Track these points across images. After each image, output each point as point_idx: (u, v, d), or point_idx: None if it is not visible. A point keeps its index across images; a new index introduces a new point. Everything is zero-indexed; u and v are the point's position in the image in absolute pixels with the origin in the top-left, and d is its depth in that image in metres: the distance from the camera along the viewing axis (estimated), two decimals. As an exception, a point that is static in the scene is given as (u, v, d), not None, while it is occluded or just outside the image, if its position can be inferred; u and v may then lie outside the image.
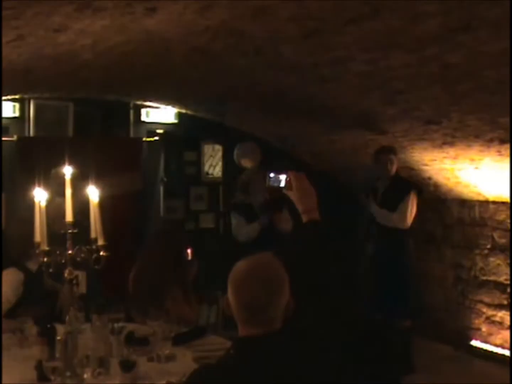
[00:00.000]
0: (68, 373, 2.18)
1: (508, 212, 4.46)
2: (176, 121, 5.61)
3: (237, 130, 5.62)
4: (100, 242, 2.37)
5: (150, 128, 5.53)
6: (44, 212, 2.28)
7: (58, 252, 2.30)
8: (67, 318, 2.28)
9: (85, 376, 2.23)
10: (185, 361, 2.49)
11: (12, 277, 2.95)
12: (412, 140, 4.29)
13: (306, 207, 1.89)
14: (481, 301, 4.79)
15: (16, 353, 2.50)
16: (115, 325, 2.53)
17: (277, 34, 2.85)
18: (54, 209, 2.55)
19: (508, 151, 3.73)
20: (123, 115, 5.42)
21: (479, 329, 4.81)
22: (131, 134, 5.48)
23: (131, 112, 5.45)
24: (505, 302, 4.58)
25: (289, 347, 1.65)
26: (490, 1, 2.16)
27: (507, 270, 4.54)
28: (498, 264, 4.63)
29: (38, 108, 4.97)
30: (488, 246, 4.70)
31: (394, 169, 4.32)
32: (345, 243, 4.24)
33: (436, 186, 4.89)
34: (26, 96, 4.89)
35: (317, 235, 1.90)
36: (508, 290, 4.55)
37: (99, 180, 2.56)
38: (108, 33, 2.75)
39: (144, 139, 5.46)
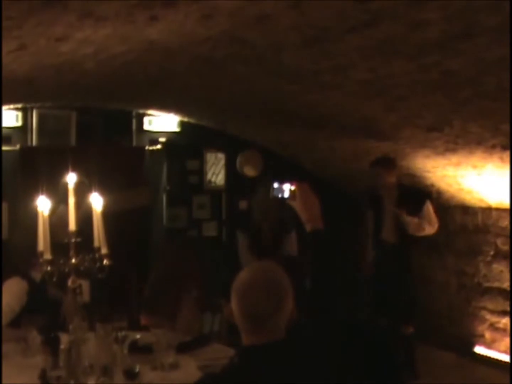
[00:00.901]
0: (72, 382, 2.18)
1: (511, 219, 4.46)
2: (178, 129, 5.63)
3: (240, 138, 5.63)
4: (104, 251, 2.38)
5: (153, 137, 5.55)
6: (47, 221, 2.29)
7: (61, 261, 2.30)
8: (70, 327, 2.29)
9: (89, 385, 2.23)
10: (189, 369, 2.49)
11: (15, 286, 2.96)
12: (414, 147, 4.29)
13: (310, 216, 1.90)
14: (484, 308, 4.77)
15: (20, 362, 2.51)
16: (119, 333, 2.53)
17: (279, 42, 2.86)
18: (61, 217, 2.56)
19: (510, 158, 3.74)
20: (126, 124, 5.45)
21: (482, 335, 4.79)
22: (134, 143, 5.50)
23: (134, 120, 5.48)
24: (508, 309, 4.56)
25: (292, 355, 1.65)
26: (490, 9, 2.17)
27: (510, 277, 4.53)
28: (501, 271, 4.62)
29: (41, 117, 4.99)
30: (491, 253, 4.69)
31: (383, 181, 4.27)
32: (347, 250, 4.24)
33: (439, 193, 4.89)
34: (28, 105, 4.91)
35: (321, 244, 1.91)
36: (511, 296, 4.55)
37: (102, 189, 2.57)
38: (110, 42, 2.76)
39: (146, 147, 5.48)
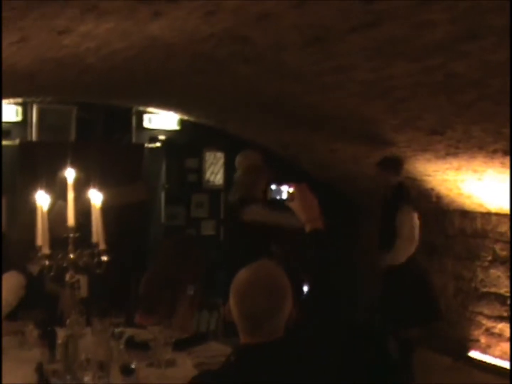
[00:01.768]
0: (68, 376, 2.18)
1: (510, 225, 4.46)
2: (178, 127, 5.62)
3: (239, 137, 5.62)
4: (102, 246, 2.37)
5: (152, 134, 5.54)
6: (46, 215, 2.28)
7: (59, 256, 2.30)
8: (67, 321, 2.28)
9: (85, 379, 2.22)
10: (185, 367, 2.49)
11: (13, 280, 2.95)
12: (415, 151, 4.29)
13: (309, 217, 1.90)
14: (481, 313, 4.77)
15: (16, 356, 2.50)
16: (116, 329, 2.52)
17: (280, 42, 2.86)
18: (60, 212, 2.55)
19: (512, 163, 3.73)
20: (126, 121, 5.43)
21: (478, 340, 4.79)
22: (133, 140, 5.49)
23: (134, 118, 5.46)
24: (505, 314, 4.57)
25: (290, 355, 1.65)
26: (496, 10, 2.16)
27: (507, 282, 4.53)
28: (499, 276, 4.63)
29: (41, 112, 4.98)
30: (489, 258, 4.69)
31: (385, 182, 4.17)
32: (346, 252, 4.23)
33: (438, 197, 4.89)
34: (29, 100, 4.90)
35: (321, 244, 1.91)
36: (508, 302, 4.54)
37: (101, 184, 2.56)
38: (112, 37, 2.75)
39: (146, 145, 5.47)
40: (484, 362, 4.69)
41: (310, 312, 1.84)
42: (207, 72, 3.58)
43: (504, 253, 4.56)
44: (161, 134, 5.57)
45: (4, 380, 2.17)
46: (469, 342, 4.85)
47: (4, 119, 4.80)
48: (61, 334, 2.33)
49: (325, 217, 1.96)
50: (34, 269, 2.94)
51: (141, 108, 5.44)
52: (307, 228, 1.90)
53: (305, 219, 1.91)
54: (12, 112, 4.89)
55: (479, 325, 4.79)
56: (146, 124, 5.51)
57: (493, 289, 4.68)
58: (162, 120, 5.56)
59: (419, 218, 4.15)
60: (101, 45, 2.90)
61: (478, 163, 3.98)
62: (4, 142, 4.79)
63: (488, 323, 4.72)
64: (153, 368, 2.45)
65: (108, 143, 5.28)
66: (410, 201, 4.21)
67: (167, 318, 2.82)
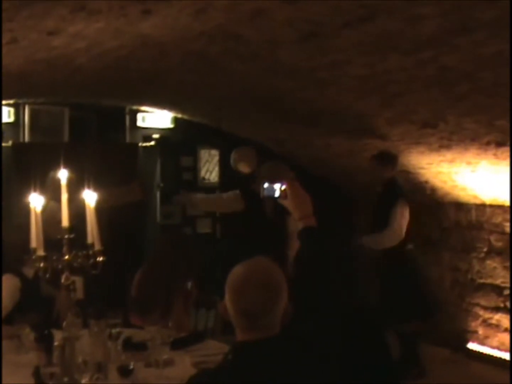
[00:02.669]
0: (66, 379, 2.16)
1: (505, 215, 4.47)
2: (172, 126, 5.60)
3: (234, 135, 5.61)
4: (97, 247, 2.36)
5: (146, 133, 5.51)
6: (40, 217, 2.27)
7: (54, 257, 2.28)
8: (64, 324, 2.27)
9: (83, 381, 2.21)
10: (184, 366, 2.48)
11: (8, 283, 2.93)
12: (408, 144, 4.29)
13: (302, 214, 1.91)
14: (478, 304, 4.79)
15: (13, 360, 2.48)
16: (113, 330, 2.51)
17: (274, 38, 2.85)
18: (49, 213, 2.54)
19: (505, 154, 3.74)
20: (119, 120, 5.41)
21: (476, 331, 4.81)
22: (127, 139, 5.47)
23: (127, 117, 5.44)
24: (502, 305, 4.58)
25: (287, 352, 1.64)
26: (487, 3, 2.16)
27: (504, 273, 4.55)
28: (495, 267, 4.64)
29: (33, 113, 4.95)
30: (485, 249, 4.71)
31: (378, 176, 4.26)
32: (342, 247, 4.23)
33: (433, 189, 4.90)
34: (20, 101, 4.87)
35: (314, 241, 1.91)
36: (505, 292, 4.56)
37: (95, 185, 2.55)
38: (103, 36, 2.74)
39: (140, 144, 5.45)
40: (482, 353, 4.71)
41: (305, 308, 1.84)
42: (200, 70, 3.57)
43: (500, 244, 4.57)
44: (155, 133, 5.55)
45: (1, 385, 2.16)
46: (467, 334, 4.87)
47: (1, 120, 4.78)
48: (57, 336, 2.32)
49: (320, 212, 1.96)
50: (29, 271, 2.93)
51: (135, 107, 5.42)
52: (300, 225, 1.90)
53: (298, 216, 1.91)
54: (4, 113, 4.86)
55: (477, 316, 4.81)
56: (140, 123, 5.49)
57: (489, 280, 4.70)
58: (156, 118, 5.53)
59: (410, 212, 4.21)
60: (92, 45, 2.89)
61: (471, 155, 3.99)
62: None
63: (486, 314, 4.74)
64: (151, 368, 2.44)
65: (101, 143, 5.26)
66: (404, 195, 4.28)
67: (164, 317, 2.82)
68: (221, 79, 3.79)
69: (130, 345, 2.55)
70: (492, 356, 4.64)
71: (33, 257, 2.25)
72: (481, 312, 4.76)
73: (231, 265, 1.72)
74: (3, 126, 4.87)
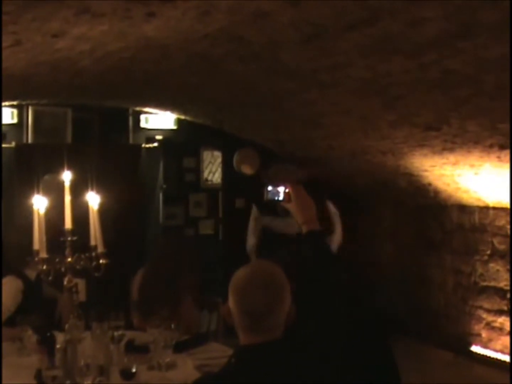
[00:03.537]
0: (68, 382, 2.17)
1: (508, 218, 4.46)
2: (175, 127, 5.61)
3: (236, 136, 5.62)
4: (100, 249, 2.36)
5: (149, 135, 5.53)
6: (42, 219, 2.27)
7: (57, 259, 2.28)
8: (66, 326, 2.27)
9: (85, 384, 2.21)
10: (186, 369, 2.48)
11: (10, 285, 2.93)
12: (412, 146, 4.28)
13: (305, 218, 1.91)
14: (481, 307, 4.78)
15: (15, 362, 2.48)
16: (115, 333, 2.51)
17: (276, 40, 2.85)
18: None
19: (508, 157, 3.73)
20: (122, 122, 5.42)
21: (479, 334, 4.79)
22: (130, 141, 5.48)
23: (130, 118, 5.45)
24: (505, 308, 4.57)
25: (290, 356, 1.64)
26: (490, 7, 2.16)
27: (507, 276, 4.53)
28: (498, 270, 4.62)
29: (37, 114, 4.96)
30: (488, 252, 4.69)
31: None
32: (344, 248, 4.22)
33: (436, 192, 4.88)
34: (24, 102, 4.88)
35: (318, 245, 1.91)
36: (508, 295, 4.54)
37: (98, 186, 2.55)
38: (107, 38, 2.74)
39: (143, 145, 5.45)
40: (486, 356, 4.69)
41: (309, 312, 1.84)
42: (203, 71, 3.57)
43: (503, 246, 4.56)
44: (158, 134, 5.56)
45: (3, 387, 2.16)
46: (470, 337, 4.85)
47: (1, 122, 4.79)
48: (59, 339, 2.32)
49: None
50: (32, 273, 2.93)
51: (138, 109, 5.42)
52: (304, 229, 1.91)
53: (301, 220, 1.91)
54: (7, 114, 4.88)
55: (480, 319, 4.79)
56: (143, 124, 5.50)
57: (492, 283, 4.68)
58: (159, 120, 5.55)
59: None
60: (96, 47, 2.89)
61: (474, 157, 3.98)
62: (0, 145, 4.78)
63: (489, 317, 4.72)
64: (153, 371, 2.44)
65: (104, 145, 5.27)
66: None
67: (168, 319, 2.81)
68: (223, 81, 3.79)
69: (132, 348, 2.55)
70: (495, 359, 4.62)
71: (36, 259, 2.25)
72: (484, 315, 4.75)
73: (233, 267, 1.72)
74: (6, 128, 4.89)
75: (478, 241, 4.75)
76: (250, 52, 3.07)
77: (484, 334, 4.75)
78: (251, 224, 4.22)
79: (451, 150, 4.04)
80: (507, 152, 3.67)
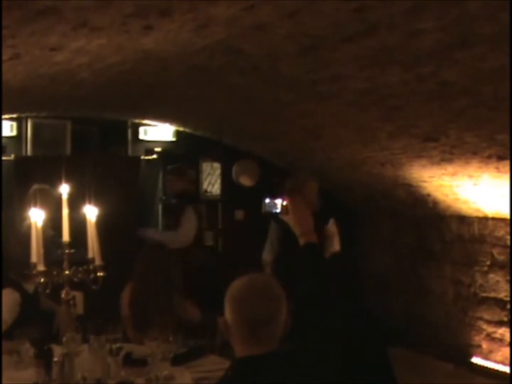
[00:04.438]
0: (64, 396, 2.15)
1: (507, 229, 4.45)
2: (174, 139, 5.62)
3: (236, 147, 5.62)
4: (98, 262, 2.35)
5: (148, 147, 5.53)
6: (40, 232, 2.26)
7: (55, 272, 2.28)
8: (64, 339, 2.25)
9: (82, 398, 2.20)
10: (184, 382, 2.47)
11: (8, 298, 2.91)
12: (410, 157, 4.29)
13: (303, 231, 1.92)
14: (481, 318, 4.76)
15: (12, 375, 2.46)
16: (113, 346, 2.50)
17: (275, 52, 2.86)
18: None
19: (506, 168, 3.73)
20: (121, 134, 5.43)
21: (479, 346, 4.77)
22: (130, 153, 5.48)
23: (129, 130, 5.46)
24: (505, 319, 4.55)
25: (287, 367, 1.64)
26: (486, 18, 2.17)
27: (507, 287, 4.52)
28: (498, 281, 4.61)
29: (36, 127, 4.97)
30: (488, 263, 4.68)
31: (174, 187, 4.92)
32: (343, 259, 4.22)
33: (435, 202, 4.88)
34: (23, 115, 4.90)
35: (315, 257, 1.91)
36: (508, 306, 4.52)
37: (97, 199, 2.55)
38: (105, 52, 2.75)
39: (142, 157, 5.46)
40: (486, 368, 4.67)
41: (306, 324, 1.84)
42: (202, 83, 3.59)
43: (502, 257, 4.55)
44: (157, 146, 5.56)
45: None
46: (470, 348, 4.82)
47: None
48: (57, 352, 2.31)
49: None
50: (30, 286, 2.92)
51: (137, 121, 5.43)
52: (301, 241, 1.91)
53: (299, 232, 1.92)
54: (7, 127, 4.89)
55: (480, 330, 4.77)
56: (142, 136, 5.51)
57: (492, 294, 4.67)
58: (158, 132, 5.56)
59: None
60: (94, 60, 2.91)
61: (473, 168, 3.99)
62: (-1, 158, 4.78)
63: (489, 328, 4.70)
64: (151, 384, 2.42)
65: (103, 157, 5.27)
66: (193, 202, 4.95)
67: (165, 326, 2.80)
68: (222, 92, 3.81)
69: (130, 361, 2.54)
70: (496, 370, 4.59)
71: (33, 271, 2.24)
72: (485, 326, 4.73)
73: (232, 279, 1.72)
74: (6, 140, 4.89)
75: (477, 251, 4.74)
76: (248, 64, 3.08)
77: (484, 345, 4.73)
78: (270, 237, 4.15)
79: (450, 161, 4.04)
80: (506, 163, 3.68)
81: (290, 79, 3.30)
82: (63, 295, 2.30)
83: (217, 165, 5.81)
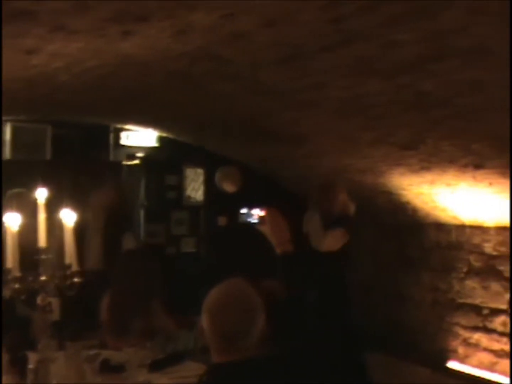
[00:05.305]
0: (38, 403, 2.13)
1: (483, 236, 4.52)
2: (157, 144, 5.61)
3: (220, 154, 5.63)
4: (75, 268, 2.34)
5: (130, 152, 5.51)
6: (16, 237, 2.25)
7: (30, 278, 2.26)
8: (39, 346, 2.24)
9: (56, 405, 2.18)
10: (160, 388, 2.46)
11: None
12: (389, 165, 4.34)
13: (279, 240, 1.94)
14: (457, 324, 4.81)
15: (-15, 382, 2.44)
16: (90, 352, 2.49)
17: (255, 60, 2.88)
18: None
19: (482, 177, 3.79)
20: (103, 138, 5.40)
21: (456, 351, 4.83)
22: (111, 158, 5.45)
23: (111, 135, 5.43)
24: (480, 325, 4.61)
25: (262, 373, 1.64)
26: (458, 32, 2.22)
27: (482, 293, 4.58)
28: (474, 287, 4.67)
29: (15, 130, 4.92)
30: (464, 270, 4.74)
31: None
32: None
33: (414, 210, 4.94)
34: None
35: (292, 266, 1.93)
36: (483, 312, 4.59)
37: (77, 204, 2.54)
38: (83, 55, 2.75)
39: (123, 162, 5.43)
40: (462, 372, 4.72)
41: (283, 330, 1.85)
42: (183, 89, 3.59)
43: (479, 264, 4.61)
44: (139, 152, 5.55)
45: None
46: (447, 353, 4.88)
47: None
48: (32, 358, 2.29)
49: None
50: (5, 292, 2.88)
51: (119, 126, 5.41)
52: (278, 251, 1.93)
53: (275, 242, 1.94)
54: (-15, 131, 4.84)
55: (456, 335, 4.82)
56: (123, 141, 5.48)
57: (469, 300, 4.73)
58: (140, 137, 5.54)
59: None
60: (72, 64, 2.90)
61: (450, 176, 4.04)
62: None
63: (465, 334, 4.76)
64: (128, 390, 2.42)
65: (84, 161, 5.24)
66: None
67: (142, 331, 2.79)
68: (204, 99, 3.81)
69: (107, 367, 2.52)
70: (471, 375, 4.65)
71: (9, 277, 2.23)
72: (461, 332, 4.78)
73: (214, 286, 1.72)
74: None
75: (454, 258, 4.80)
76: (229, 71, 3.10)
77: (460, 350, 4.79)
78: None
79: (428, 169, 4.09)
80: (482, 171, 3.74)
81: (271, 87, 3.32)
82: (39, 301, 2.29)
83: (200, 171, 5.81)
